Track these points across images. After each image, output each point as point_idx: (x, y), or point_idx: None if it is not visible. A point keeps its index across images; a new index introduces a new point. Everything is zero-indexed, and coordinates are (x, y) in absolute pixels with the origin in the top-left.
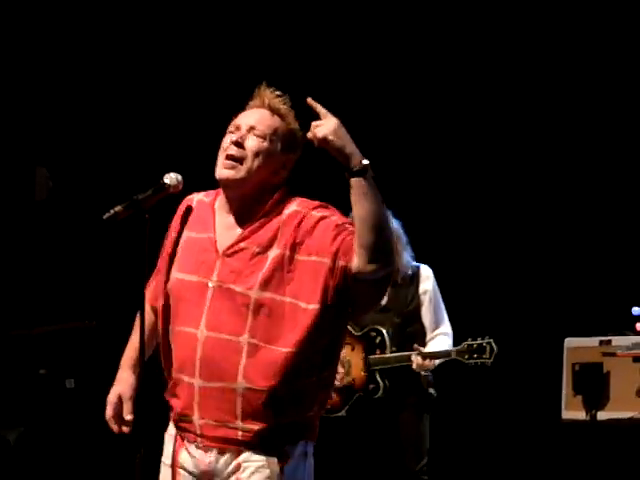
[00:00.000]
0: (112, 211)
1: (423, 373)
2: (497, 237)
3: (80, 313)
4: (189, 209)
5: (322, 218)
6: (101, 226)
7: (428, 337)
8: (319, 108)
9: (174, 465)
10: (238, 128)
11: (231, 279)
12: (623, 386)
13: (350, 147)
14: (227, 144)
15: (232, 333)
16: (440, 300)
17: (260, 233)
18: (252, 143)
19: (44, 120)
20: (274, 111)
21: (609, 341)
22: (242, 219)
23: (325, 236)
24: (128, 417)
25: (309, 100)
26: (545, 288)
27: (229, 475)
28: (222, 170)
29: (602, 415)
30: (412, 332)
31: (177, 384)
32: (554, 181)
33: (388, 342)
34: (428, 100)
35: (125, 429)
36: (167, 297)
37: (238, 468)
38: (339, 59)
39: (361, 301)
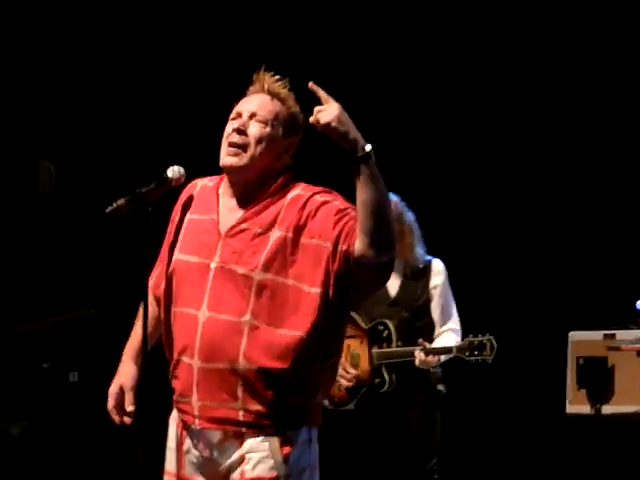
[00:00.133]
0: (115, 204)
1: (432, 369)
2: (501, 231)
3: (84, 306)
4: (192, 193)
5: (325, 202)
6: (104, 219)
7: (436, 333)
8: (321, 93)
9: (179, 449)
10: (239, 115)
11: (233, 260)
12: (627, 380)
13: (353, 132)
14: (229, 132)
15: (234, 314)
16: (450, 296)
17: (262, 215)
18: (254, 129)
19: (47, 113)
20: (274, 95)
21: (613, 335)
22: (245, 202)
23: (327, 220)
24: (129, 408)
25: (311, 84)
26: (549, 282)
27: (234, 466)
28: (226, 158)
29: (606, 409)
30: (421, 327)
31: (178, 366)
32: (557, 175)
33: (394, 336)
34: (439, 93)
35: (127, 420)
36: (169, 280)
37: (242, 460)
38: (340, 43)
39: (363, 286)
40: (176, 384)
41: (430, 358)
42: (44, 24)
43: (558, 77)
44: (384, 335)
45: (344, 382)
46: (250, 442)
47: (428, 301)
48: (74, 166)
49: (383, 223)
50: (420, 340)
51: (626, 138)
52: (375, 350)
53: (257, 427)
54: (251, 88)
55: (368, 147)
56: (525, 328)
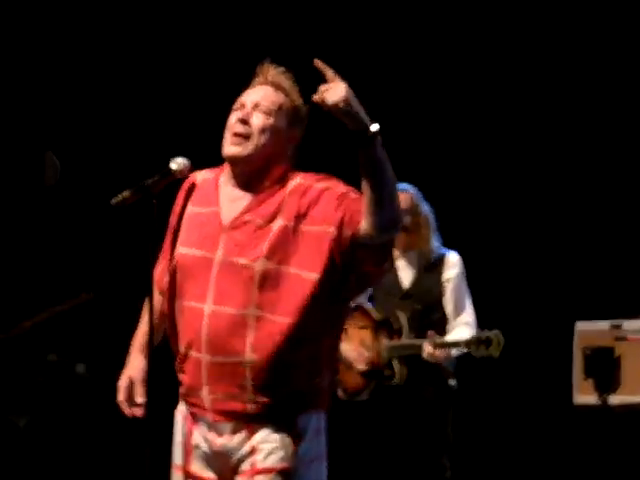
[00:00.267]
0: (120, 196)
1: (444, 364)
2: (507, 222)
3: (82, 291)
4: (193, 186)
5: (326, 189)
6: (109, 211)
7: (449, 326)
8: (327, 70)
9: (187, 443)
10: (243, 105)
11: (236, 252)
12: (634, 370)
13: (360, 112)
14: (233, 122)
15: (238, 306)
16: (464, 289)
17: (264, 206)
18: (257, 120)
19: (53, 106)
20: (278, 87)
21: (620, 325)
22: (246, 193)
23: (329, 206)
24: (139, 400)
25: (317, 62)
26: (555, 272)
27: (244, 457)
28: (229, 147)
29: (613, 399)
30: (435, 320)
31: (185, 360)
32: (564, 166)
33: (405, 328)
34: (459, 86)
35: (137, 412)
36: (173, 273)
37: (253, 451)
38: (345, 36)
39: (364, 268)
40: (184, 378)
41: (438, 352)
42: (49, 18)
43: (578, 69)
44: (396, 327)
45: (359, 365)
46: (261, 433)
47: (441, 294)
48: (80, 158)
49: (389, 202)
50: (430, 332)
51: (636, 132)
52: (386, 342)
53: (267, 417)
54: (255, 80)
55: (375, 127)
56: (531, 318)
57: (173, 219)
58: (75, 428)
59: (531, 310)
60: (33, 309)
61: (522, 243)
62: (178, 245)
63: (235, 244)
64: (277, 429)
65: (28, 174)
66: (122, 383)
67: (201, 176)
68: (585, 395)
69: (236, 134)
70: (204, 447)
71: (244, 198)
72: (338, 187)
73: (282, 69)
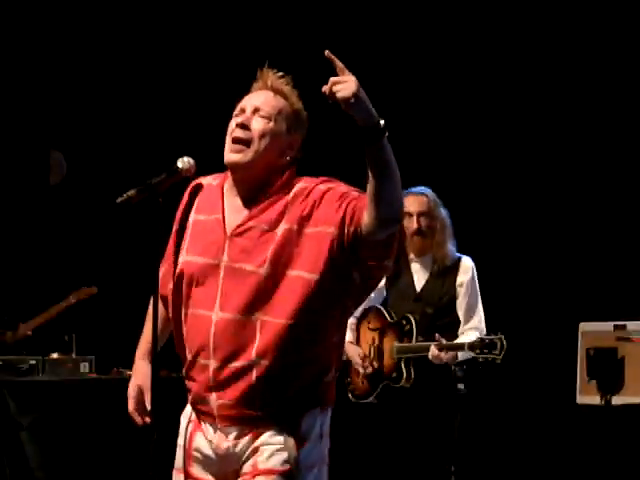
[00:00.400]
0: (126, 195)
1: (453, 368)
2: (511, 224)
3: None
4: (197, 193)
5: (328, 190)
6: (115, 210)
7: (459, 330)
8: (338, 63)
9: (187, 447)
10: (243, 110)
11: (242, 259)
12: (638, 371)
13: (369, 108)
14: (233, 127)
15: (245, 312)
16: (476, 294)
17: (268, 212)
18: (258, 124)
19: (58, 105)
20: (277, 92)
21: (624, 326)
22: (250, 200)
23: (331, 206)
24: (150, 407)
25: (327, 53)
26: (560, 273)
27: (247, 458)
28: (230, 154)
29: (617, 400)
30: (446, 324)
31: (193, 367)
32: (567, 169)
33: (415, 331)
34: (472, 95)
35: (148, 420)
36: (178, 281)
37: (256, 451)
38: (345, 41)
39: (367, 264)
40: (192, 385)
41: (443, 354)
42: (56, 17)
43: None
44: (406, 329)
45: (361, 369)
46: (265, 435)
47: (454, 298)
48: (85, 157)
49: (393, 197)
50: (437, 335)
51: (634, 133)
52: (396, 344)
53: (274, 418)
54: (255, 85)
55: (382, 121)
56: (536, 319)
57: (176, 225)
58: (80, 427)
59: (535, 311)
60: (37, 308)
61: (526, 246)
62: (183, 253)
63: (240, 250)
64: (281, 430)
65: (33, 173)
66: (131, 392)
67: (205, 183)
68: (588, 396)
69: (236, 139)
70: (207, 451)
71: (248, 205)
72: (340, 187)
73: (281, 73)
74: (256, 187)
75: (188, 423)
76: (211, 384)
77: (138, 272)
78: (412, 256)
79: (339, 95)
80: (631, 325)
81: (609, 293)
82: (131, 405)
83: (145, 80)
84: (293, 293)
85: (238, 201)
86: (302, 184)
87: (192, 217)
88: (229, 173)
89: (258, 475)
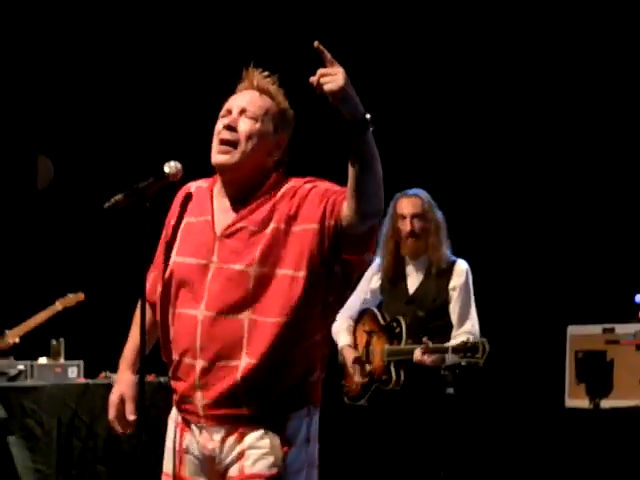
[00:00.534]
0: (113, 200)
1: (442, 372)
2: (500, 226)
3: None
4: (187, 197)
5: (312, 188)
6: (102, 214)
7: (452, 334)
8: (327, 54)
9: (178, 449)
10: (230, 111)
11: (231, 259)
12: (626, 374)
13: (355, 101)
14: (220, 129)
15: (233, 312)
16: (470, 297)
17: (257, 212)
18: (244, 125)
19: (46, 109)
20: (263, 92)
21: (612, 329)
22: (239, 202)
23: (314, 203)
24: (131, 417)
25: (316, 44)
26: (548, 276)
27: (233, 462)
28: (217, 155)
29: (605, 403)
30: (438, 327)
31: (179, 367)
32: (555, 171)
33: (404, 334)
34: (468, 98)
35: (128, 430)
36: (167, 283)
37: (242, 455)
38: (331, 40)
39: (347, 257)
40: (178, 385)
41: (426, 357)
42: (43, 22)
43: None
44: (396, 332)
45: (358, 379)
46: (250, 437)
47: (446, 302)
48: (72, 162)
49: (375, 190)
50: (424, 338)
51: (624, 137)
52: (387, 347)
53: (260, 418)
54: (240, 85)
55: (367, 116)
56: (524, 322)
57: (166, 230)
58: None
59: (524, 314)
60: (24, 313)
61: (514, 249)
62: (173, 255)
63: (230, 251)
64: (267, 433)
65: (21, 177)
66: (113, 400)
67: (195, 186)
68: (577, 399)
69: (223, 141)
70: (195, 452)
71: (237, 206)
72: (324, 185)
73: (267, 73)
74: (244, 188)
75: (176, 425)
76: (197, 383)
77: (126, 276)
78: (407, 259)
79: (327, 88)
80: (619, 328)
81: (597, 296)
82: (111, 414)
83: (131, 85)
84: (282, 291)
85: (227, 202)
86: (290, 184)
87: (183, 220)
88: (218, 175)
89: None
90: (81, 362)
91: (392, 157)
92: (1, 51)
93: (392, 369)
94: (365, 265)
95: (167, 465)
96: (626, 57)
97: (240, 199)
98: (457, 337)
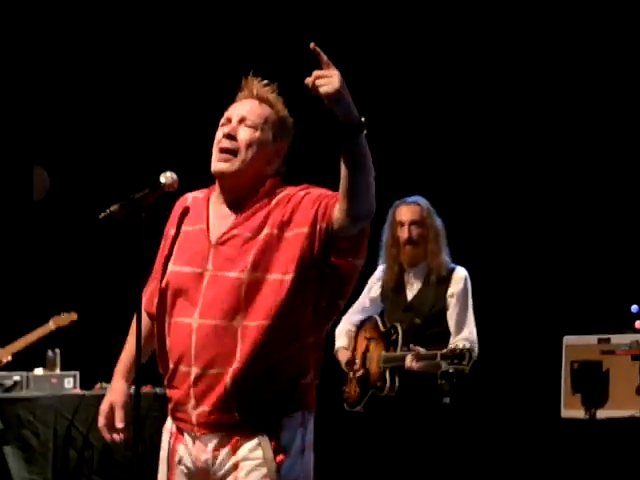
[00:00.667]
0: (108, 210)
1: (439, 381)
2: (497, 237)
3: (64, 309)
4: (185, 207)
5: (306, 194)
6: (98, 225)
7: (450, 342)
8: (323, 56)
9: (170, 460)
10: (229, 120)
11: (226, 267)
12: (622, 384)
13: (350, 103)
14: (220, 137)
15: (225, 318)
16: (468, 305)
17: (252, 219)
18: (244, 134)
19: (42, 120)
20: (263, 100)
21: (608, 339)
22: (235, 209)
23: (307, 208)
24: (119, 425)
25: (313, 45)
26: (544, 286)
27: (226, 474)
28: (217, 163)
29: (601, 413)
30: (436, 334)
31: (174, 375)
32: (553, 181)
33: (400, 341)
34: (468, 104)
35: (116, 437)
36: (164, 292)
37: (236, 467)
38: (330, 48)
39: (338, 260)
40: (173, 393)
41: (414, 364)
42: (40, 31)
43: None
44: (392, 339)
45: (351, 374)
46: (244, 449)
47: (444, 309)
48: (68, 173)
49: (366, 192)
50: (412, 345)
51: (623, 143)
52: (383, 353)
53: (252, 424)
54: (240, 94)
55: (362, 119)
56: (520, 332)
57: (164, 241)
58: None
59: (520, 324)
60: (20, 327)
61: (510, 259)
62: (169, 264)
63: (224, 259)
64: (261, 444)
65: (17, 188)
66: (103, 408)
67: (192, 196)
68: (573, 409)
69: (223, 149)
70: (188, 463)
71: (233, 213)
72: (317, 190)
73: (266, 81)
74: (242, 195)
75: (170, 436)
76: (191, 392)
77: (122, 287)
78: (405, 266)
79: (322, 90)
80: (615, 338)
81: (593, 307)
82: (101, 421)
83: (127, 95)
84: (271, 295)
85: (223, 209)
86: (285, 192)
87: (181, 230)
88: (216, 184)
89: None
90: (77, 373)
91: (393, 164)
92: None
93: (387, 375)
94: (356, 270)
95: (160, 475)
96: (625, 57)
97: (237, 206)
98: (455, 344)
